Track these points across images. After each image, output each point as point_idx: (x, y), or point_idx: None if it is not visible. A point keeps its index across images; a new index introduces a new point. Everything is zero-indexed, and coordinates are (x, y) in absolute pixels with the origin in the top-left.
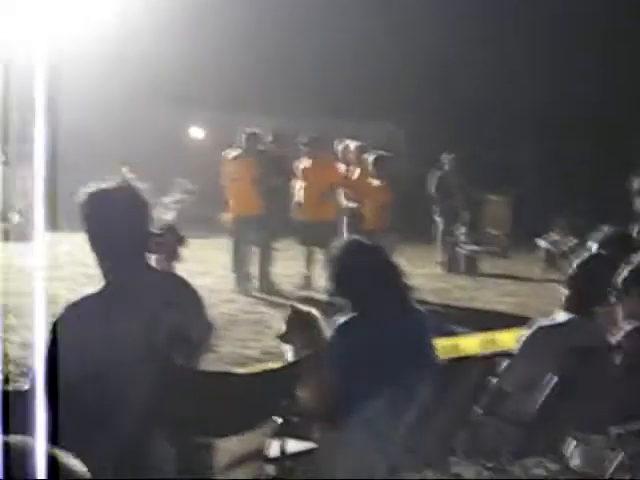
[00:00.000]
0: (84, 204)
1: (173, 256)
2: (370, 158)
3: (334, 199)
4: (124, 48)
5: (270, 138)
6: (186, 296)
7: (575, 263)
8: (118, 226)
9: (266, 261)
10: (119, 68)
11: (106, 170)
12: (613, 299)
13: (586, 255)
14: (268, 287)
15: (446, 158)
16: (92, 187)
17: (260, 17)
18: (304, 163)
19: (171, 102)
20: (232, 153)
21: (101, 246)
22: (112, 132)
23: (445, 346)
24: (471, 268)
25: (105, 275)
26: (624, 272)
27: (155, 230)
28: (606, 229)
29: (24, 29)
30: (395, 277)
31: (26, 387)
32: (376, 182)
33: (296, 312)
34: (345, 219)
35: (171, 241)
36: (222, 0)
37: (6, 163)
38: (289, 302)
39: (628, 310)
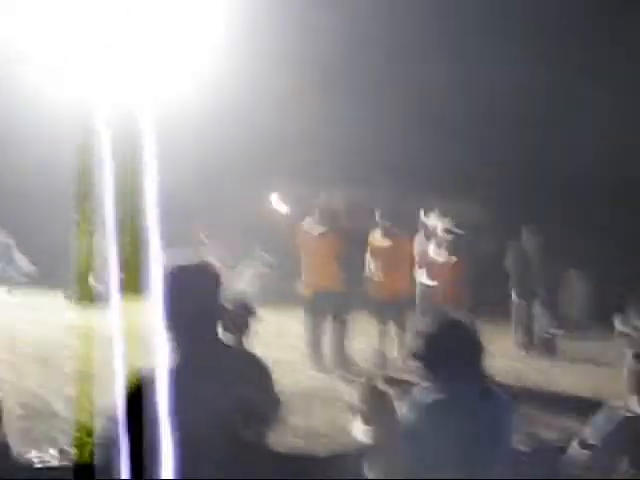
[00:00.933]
0: (164, 279)
1: (245, 331)
2: (445, 234)
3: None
4: (218, 115)
5: (344, 211)
6: (256, 371)
7: None
8: (191, 301)
9: (342, 336)
10: (210, 134)
11: (187, 237)
12: None
13: None
14: (342, 362)
15: (524, 232)
16: (168, 263)
17: (340, 91)
18: (379, 238)
19: (253, 172)
20: (315, 228)
21: (173, 320)
22: (196, 199)
23: None
24: (550, 349)
25: (175, 349)
26: None
27: (227, 304)
28: None
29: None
30: (481, 357)
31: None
32: (451, 258)
33: (373, 390)
34: (420, 296)
35: (243, 316)
36: (303, 78)
37: (93, 229)
38: (363, 378)
39: None
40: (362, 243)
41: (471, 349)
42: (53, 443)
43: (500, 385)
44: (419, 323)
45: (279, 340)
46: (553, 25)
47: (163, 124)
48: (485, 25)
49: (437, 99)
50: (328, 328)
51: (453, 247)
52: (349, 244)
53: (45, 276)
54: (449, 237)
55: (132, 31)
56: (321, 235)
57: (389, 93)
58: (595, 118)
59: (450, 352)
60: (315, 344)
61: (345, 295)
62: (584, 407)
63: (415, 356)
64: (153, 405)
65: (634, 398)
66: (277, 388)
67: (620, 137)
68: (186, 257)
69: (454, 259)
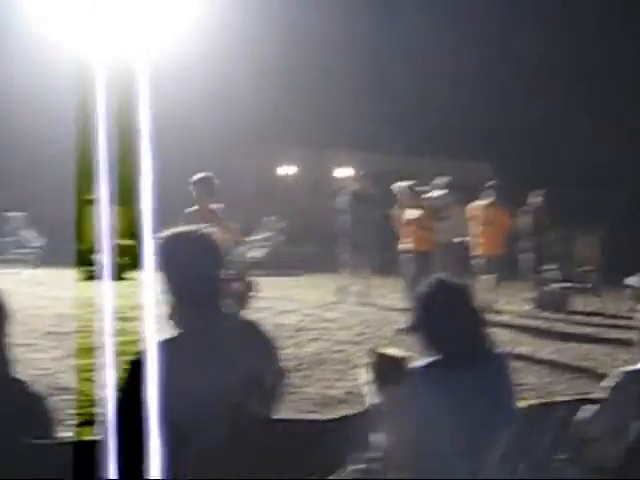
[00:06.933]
0: (159, 247)
1: (244, 302)
2: None
3: None
4: (226, 90)
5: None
6: (260, 341)
7: None
8: (191, 271)
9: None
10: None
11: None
12: None
13: None
14: None
15: (536, 196)
16: (167, 231)
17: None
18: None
19: (261, 142)
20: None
21: (175, 290)
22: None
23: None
24: (561, 305)
25: (178, 320)
26: None
27: (226, 276)
28: None
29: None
30: (478, 319)
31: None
32: None
33: (380, 355)
34: None
35: (241, 287)
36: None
37: (96, 201)
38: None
39: None
40: None
41: (465, 312)
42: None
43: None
44: (420, 287)
45: (297, 306)
46: None
47: (164, 86)
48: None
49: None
50: None
51: None
52: None
53: (54, 250)
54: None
55: None
56: (489, 206)
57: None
58: None
59: (441, 317)
60: None
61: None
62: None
63: (411, 321)
64: (152, 376)
65: None
66: (281, 357)
67: None
68: (186, 227)
69: None
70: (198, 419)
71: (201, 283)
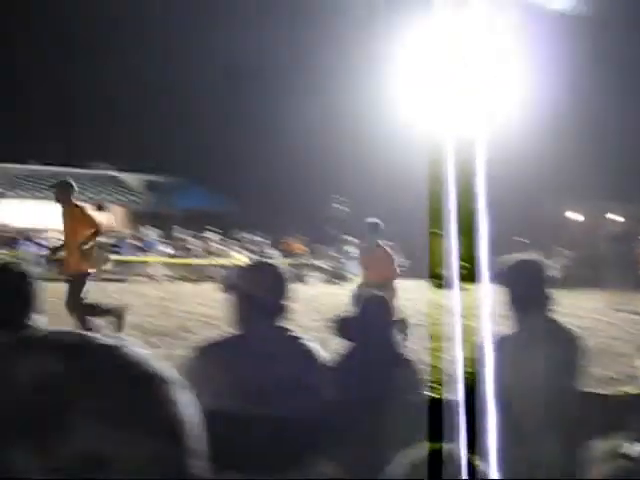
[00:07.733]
0: (506, 269)
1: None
2: None
3: None
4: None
5: None
6: (568, 336)
7: None
8: (526, 287)
9: None
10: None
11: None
12: None
13: None
14: None
15: None
16: (510, 257)
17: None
18: None
19: (556, 193)
20: None
21: (513, 301)
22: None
23: None
24: None
25: (514, 322)
26: None
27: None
28: None
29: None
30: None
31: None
32: None
33: None
34: None
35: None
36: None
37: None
38: None
39: None
40: None
41: None
42: None
43: None
44: None
45: (585, 313)
46: None
47: (494, 150)
48: None
49: None
50: None
51: None
52: None
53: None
54: None
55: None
56: None
57: None
58: None
59: None
60: None
61: None
62: None
63: None
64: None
65: None
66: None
67: None
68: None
69: None
70: (527, 397)
71: (532, 296)
